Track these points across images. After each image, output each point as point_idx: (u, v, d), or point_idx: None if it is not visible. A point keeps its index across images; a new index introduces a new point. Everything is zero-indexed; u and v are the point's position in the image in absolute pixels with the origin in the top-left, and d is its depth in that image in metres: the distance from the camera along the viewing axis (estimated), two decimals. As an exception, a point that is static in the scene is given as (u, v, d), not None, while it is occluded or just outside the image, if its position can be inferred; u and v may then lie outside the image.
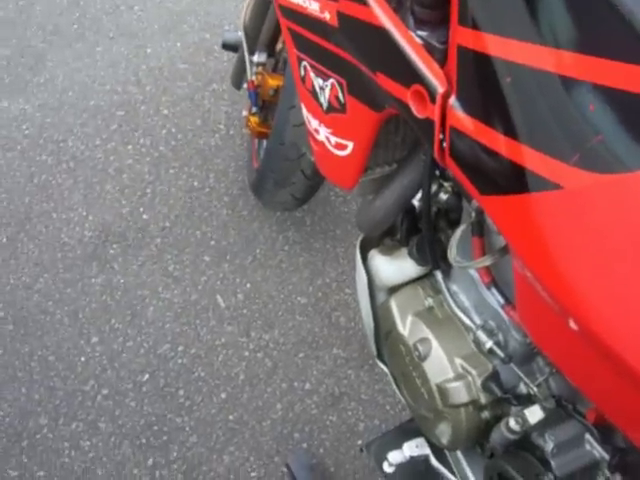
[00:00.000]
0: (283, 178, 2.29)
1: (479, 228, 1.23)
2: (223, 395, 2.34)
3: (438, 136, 0.99)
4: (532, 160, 0.86)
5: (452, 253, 1.22)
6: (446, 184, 1.27)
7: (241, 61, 2.46)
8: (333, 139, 1.33)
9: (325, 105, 1.31)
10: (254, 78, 2.31)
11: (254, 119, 2.37)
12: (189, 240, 2.68)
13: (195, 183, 2.83)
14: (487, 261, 1.16)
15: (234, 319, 2.48)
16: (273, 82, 2.26)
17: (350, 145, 1.30)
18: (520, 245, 0.92)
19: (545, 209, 0.87)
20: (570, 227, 0.84)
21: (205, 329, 2.47)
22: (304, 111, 1.42)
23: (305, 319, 2.48)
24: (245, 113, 2.46)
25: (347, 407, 2.32)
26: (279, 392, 2.34)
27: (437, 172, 1.27)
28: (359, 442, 2.25)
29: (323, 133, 1.35)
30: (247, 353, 2.41)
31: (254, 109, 2.36)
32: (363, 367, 2.39)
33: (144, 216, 2.75)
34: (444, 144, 0.99)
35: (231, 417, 2.30)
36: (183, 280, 2.58)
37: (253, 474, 2.21)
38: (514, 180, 0.89)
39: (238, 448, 2.24)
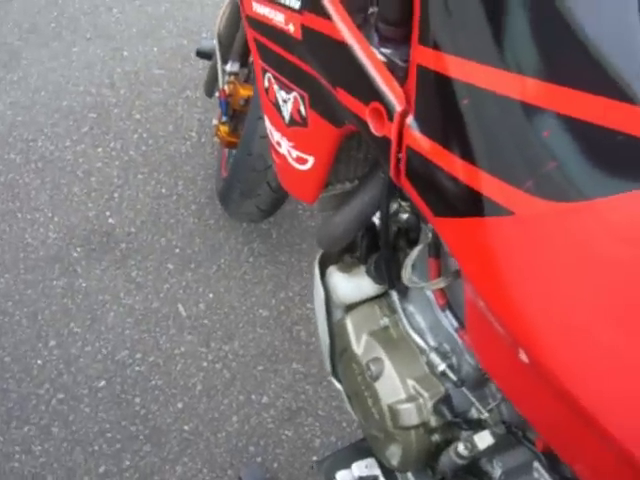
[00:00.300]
0: (249, 189, 2.28)
1: (435, 249, 1.22)
2: (179, 405, 2.31)
3: (395, 155, 0.98)
4: (486, 184, 0.85)
5: (407, 273, 1.21)
6: (404, 203, 1.26)
7: (214, 69, 2.45)
8: (294, 153, 1.32)
9: (287, 118, 1.30)
10: (226, 87, 2.29)
11: (224, 128, 2.35)
12: (154, 247, 2.65)
13: (163, 190, 2.81)
14: (441, 283, 1.15)
15: (194, 329, 2.45)
16: (244, 92, 2.24)
17: (311, 160, 1.29)
18: (471, 269, 0.90)
19: (497, 234, 0.86)
20: (521, 254, 0.83)
21: (165, 337, 2.45)
22: (267, 123, 1.41)
23: (266, 332, 2.46)
24: (215, 122, 2.45)
25: (304, 422, 2.30)
26: (236, 404, 2.32)
27: (396, 191, 1.26)
28: (314, 458, 2.23)
29: (285, 146, 1.34)
30: (206, 364, 2.39)
31: (224, 118, 2.35)
32: (321, 383, 2.37)
33: (110, 220, 2.72)
34: (400, 164, 0.98)
35: (186, 427, 2.27)
36: (145, 287, 2.56)
37: None
38: (468, 203, 0.88)
39: (192, 459, 2.21)
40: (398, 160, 0.98)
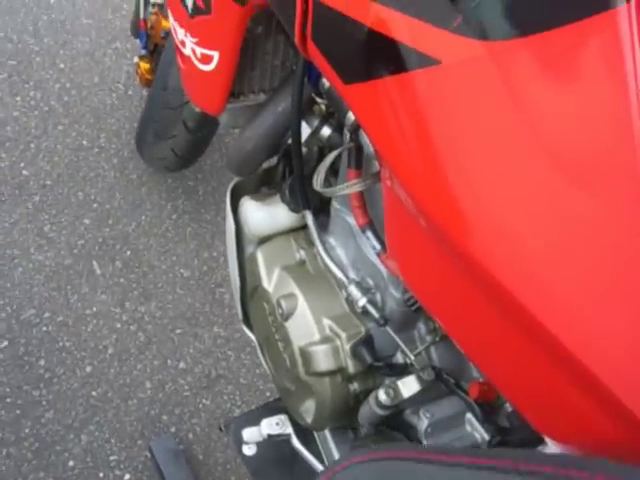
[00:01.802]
0: (163, 129, 2.09)
1: (356, 159, 1.06)
2: (88, 369, 2.13)
3: (300, 15, 0.82)
4: (408, 31, 0.70)
5: (319, 179, 1.04)
6: (320, 101, 1.09)
7: (139, 6, 2.24)
8: (199, 51, 1.16)
9: (190, 7, 1.13)
10: (147, 18, 2.09)
11: (144, 65, 2.15)
12: (70, 200, 2.44)
13: (84, 142, 2.60)
14: (357, 186, 0.98)
15: (109, 288, 2.27)
16: (167, 24, 2.04)
17: (216, 56, 1.13)
18: (386, 143, 0.75)
19: (420, 91, 0.70)
20: (447, 114, 0.69)
21: (76, 296, 2.24)
22: (171, 21, 1.23)
23: (186, 293, 2.30)
24: (136, 59, 2.24)
25: (223, 391, 2.15)
26: (150, 369, 2.16)
27: (310, 90, 1.09)
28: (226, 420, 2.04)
29: (189, 45, 1.18)
30: (119, 325, 2.22)
31: (143, 52, 2.15)
32: (245, 349, 2.21)
33: (24, 172, 2.50)
34: (306, 26, 0.81)
35: (94, 393, 2.10)
36: (58, 242, 2.35)
37: (112, 457, 2.02)
38: (384, 59, 0.73)
39: (99, 428, 2.05)
40: (304, 23, 0.81)
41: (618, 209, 0.65)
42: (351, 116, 0.97)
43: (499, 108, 0.68)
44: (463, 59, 0.66)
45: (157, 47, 2.15)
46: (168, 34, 2.01)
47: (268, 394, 2.16)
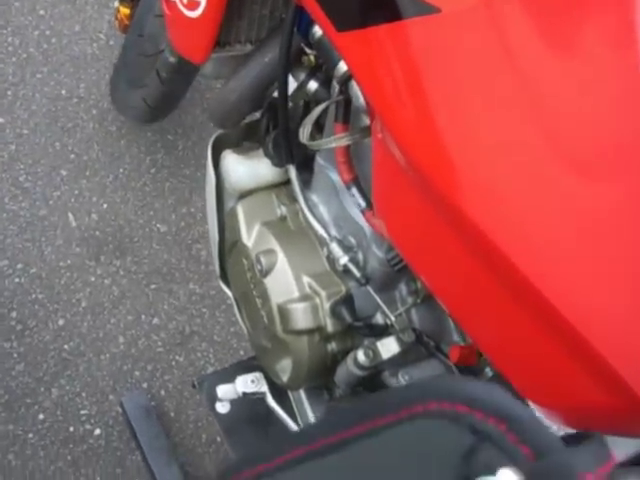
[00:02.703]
0: (136, 76, 2.04)
1: (343, 112, 1.03)
2: (60, 322, 2.08)
3: None
4: None
5: (305, 132, 1.01)
6: (310, 52, 1.06)
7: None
8: None
9: None
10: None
11: (124, 10, 2.08)
12: (47, 151, 2.39)
13: (63, 91, 2.53)
14: (344, 140, 0.96)
15: (84, 240, 2.20)
16: (150, -32, 1.98)
17: (203, 2, 1.09)
18: (378, 92, 0.73)
19: (416, 40, 0.68)
20: (440, 63, 0.68)
21: (50, 248, 2.19)
22: (157, -37, 1.19)
23: (162, 248, 2.23)
24: (116, 4, 2.18)
25: (197, 348, 2.12)
26: (123, 324, 2.11)
27: (299, 41, 1.05)
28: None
29: None
30: (93, 278, 2.15)
31: (123, -5, 2.08)
32: (220, 306, 2.17)
33: (0, 119, 2.45)
34: None
35: (66, 347, 2.05)
36: (34, 193, 2.30)
37: (83, 412, 1.99)
38: (380, 6, 0.70)
39: (70, 381, 2.01)
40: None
41: (613, 163, 0.65)
42: (342, 67, 0.94)
43: (497, 61, 0.66)
44: (464, 9, 0.63)
45: (138, -8, 2.09)
46: (149, -22, 1.96)
47: (242, 352, 2.11)
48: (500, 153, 0.67)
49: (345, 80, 0.95)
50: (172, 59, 1.77)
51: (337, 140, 0.96)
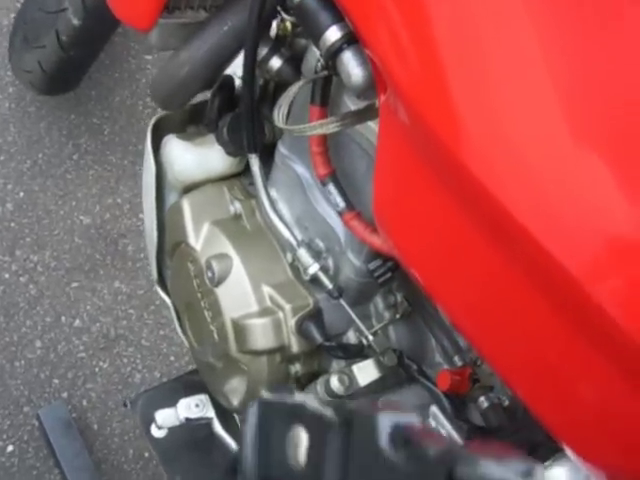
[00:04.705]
0: (33, 35, 1.87)
1: (321, 93, 0.89)
2: (-31, 324, 1.98)
3: None
4: None
5: (280, 114, 0.88)
6: (288, 18, 0.95)
7: None
8: None
9: None
10: None
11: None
12: (-45, 133, 2.20)
13: (-27, 68, 2.34)
14: (334, 125, 0.82)
15: None
16: None
17: None
18: (391, 50, 0.68)
19: None
20: (461, 13, 0.64)
21: (-42, 242, 2.04)
22: None
23: (86, 243, 2.07)
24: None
25: (123, 353, 1.98)
26: (41, 327, 1.97)
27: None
28: (133, 395, 1.87)
29: None
30: (8, 275, 2.00)
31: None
32: (148, 307, 2.04)
33: None
34: None
35: (-25, 353, 1.99)
36: (-60, 179, 2.11)
37: None
38: None
39: None
40: None
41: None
42: (329, 37, 0.79)
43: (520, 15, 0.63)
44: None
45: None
46: None
47: (172, 358, 2.00)
48: (519, 114, 0.63)
49: (334, 53, 0.79)
50: (75, 21, 1.65)
51: (324, 126, 0.81)
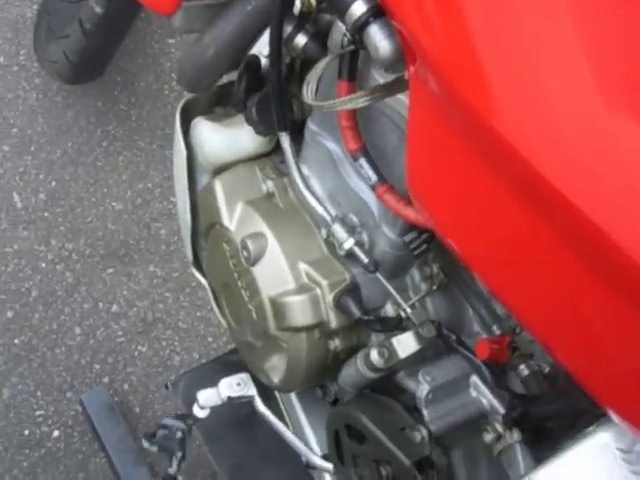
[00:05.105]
0: (57, 25, 1.88)
1: (348, 68, 0.89)
2: (9, 314, 1.95)
3: None
4: None
5: (309, 89, 0.87)
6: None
7: None
8: None
9: None
10: None
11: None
12: (-15, 125, 2.21)
13: (1, 59, 2.34)
14: (363, 100, 0.81)
15: (32, 223, 2.06)
16: None
17: None
18: (422, 22, 0.68)
19: None
20: None
21: (-6, 232, 2.07)
22: None
23: (119, 228, 2.09)
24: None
25: (161, 336, 1.99)
26: (79, 314, 1.98)
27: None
28: (173, 379, 1.87)
29: None
30: (44, 264, 2.02)
31: None
32: (184, 290, 2.04)
33: None
34: None
35: (17, 341, 1.93)
36: (-27, 171, 2.13)
37: (39, 412, 1.87)
38: None
39: (22, 380, 1.89)
40: None
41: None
42: (356, 10, 0.78)
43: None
44: None
45: None
46: None
47: (210, 339, 2.01)
48: (542, 75, 0.62)
49: (360, 26, 0.78)
50: (98, 9, 1.66)
51: (354, 100, 0.80)
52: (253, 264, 1.04)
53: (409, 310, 0.97)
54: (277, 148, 1.12)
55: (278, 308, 1.03)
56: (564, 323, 0.68)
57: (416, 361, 0.97)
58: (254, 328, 1.10)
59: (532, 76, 0.62)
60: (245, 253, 1.04)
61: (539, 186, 0.61)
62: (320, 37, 0.99)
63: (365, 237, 1.00)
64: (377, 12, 0.76)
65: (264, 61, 1.13)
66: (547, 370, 0.92)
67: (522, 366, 0.93)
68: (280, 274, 1.03)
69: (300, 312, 1.01)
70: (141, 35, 2.23)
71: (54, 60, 1.98)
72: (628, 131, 0.59)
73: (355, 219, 1.01)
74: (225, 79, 1.19)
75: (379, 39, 0.76)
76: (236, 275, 1.10)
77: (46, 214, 2.09)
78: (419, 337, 0.95)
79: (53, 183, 2.13)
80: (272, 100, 0.99)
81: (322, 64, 0.86)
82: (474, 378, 0.95)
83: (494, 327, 0.97)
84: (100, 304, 2.01)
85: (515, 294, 0.74)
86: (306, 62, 1.05)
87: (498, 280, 0.75)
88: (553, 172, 0.60)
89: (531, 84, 0.62)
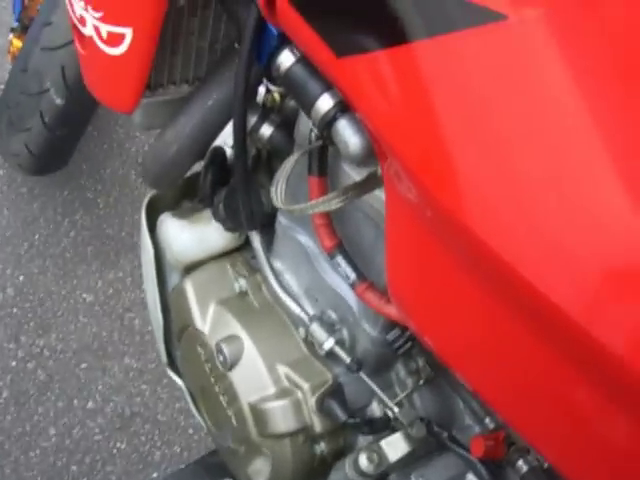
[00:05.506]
0: (18, 118, 1.85)
1: (318, 163, 0.85)
2: (-21, 418, 1.95)
3: None
4: None
5: (278, 191, 0.83)
6: (274, 88, 0.92)
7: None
8: (105, 28, 0.92)
9: None
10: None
11: (17, 43, 1.87)
12: (-52, 223, 2.17)
13: (-39, 153, 2.32)
14: (336, 202, 0.77)
15: (0, 320, 2.01)
16: (46, -4, 1.77)
17: (128, 34, 0.90)
18: (396, 126, 0.63)
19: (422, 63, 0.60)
20: (467, 85, 0.59)
21: (-39, 332, 2.00)
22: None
23: (91, 321, 2.04)
24: (10, 36, 1.96)
25: (140, 431, 1.94)
26: (53, 413, 1.93)
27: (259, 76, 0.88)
28: (155, 475, 1.89)
29: (90, 21, 0.94)
30: (14, 363, 1.97)
31: (15, 25, 1.87)
32: (161, 381, 1.99)
33: None
34: None
35: (-13, 446, 1.91)
36: (-62, 272, 2.08)
37: None
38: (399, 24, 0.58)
39: None
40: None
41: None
42: (322, 106, 0.74)
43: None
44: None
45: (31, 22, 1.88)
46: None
47: (191, 431, 1.96)
48: (516, 177, 0.59)
49: (329, 122, 0.74)
50: (59, 101, 1.63)
51: (326, 203, 0.75)
52: (230, 369, 0.99)
53: (396, 409, 0.92)
54: (248, 242, 1.07)
55: (258, 415, 0.98)
56: (546, 422, 0.65)
57: (407, 462, 0.92)
58: (235, 434, 1.04)
59: (504, 173, 0.59)
60: (221, 358, 0.99)
61: (516, 284, 0.58)
62: (286, 127, 0.96)
63: (345, 334, 0.96)
64: (344, 106, 0.73)
65: (229, 151, 1.10)
66: (546, 465, 0.88)
67: (520, 462, 0.89)
68: (259, 378, 0.98)
69: (282, 418, 0.96)
70: (105, 120, 2.21)
71: (16, 153, 1.95)
72: (608, 230, 0.56)
73: (334, 315, 0.97)
74: (191, 170, 1.16)
75: (348, 135, 0.73)
76: (213, 380, 1.05)
77: (15, 310, 2.05)
78: (409, 438, 0.91)
79: (21, 277, 2.09)
80: (239, 197, 0.95)
81: (290, 163, 0.82)
82: (470, 477, 0.90)
83: (487, 420, 0.94)
84: (75, 401, 1.96)
85: (497, 394, 0.70)
86: (274, 151, 1.02)
87: (479, 379, 0.72)
88: (529, 270, 0.57)
89: (503, 181, 0.59)
